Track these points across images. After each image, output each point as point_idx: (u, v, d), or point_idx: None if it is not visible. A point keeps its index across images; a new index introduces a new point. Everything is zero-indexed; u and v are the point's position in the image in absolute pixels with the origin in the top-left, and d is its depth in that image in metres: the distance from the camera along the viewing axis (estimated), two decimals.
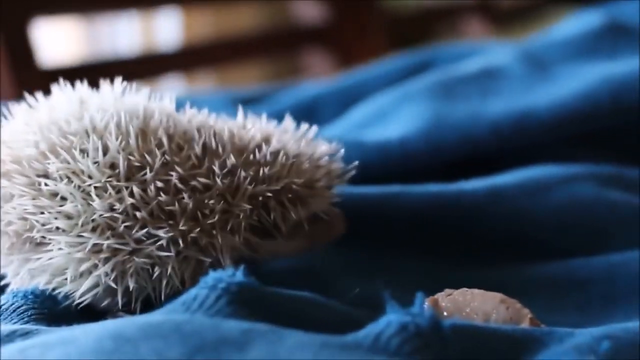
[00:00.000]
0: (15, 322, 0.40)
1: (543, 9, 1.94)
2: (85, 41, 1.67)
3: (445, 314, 0.41)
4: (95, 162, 0.42)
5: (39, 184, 0.42)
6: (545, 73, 0.70)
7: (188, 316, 0.35)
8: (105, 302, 0.43)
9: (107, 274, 0.41)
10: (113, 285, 0.42)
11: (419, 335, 0.34)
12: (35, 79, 1.01)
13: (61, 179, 0.42)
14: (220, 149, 0.44)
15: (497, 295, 0.42)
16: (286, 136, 0.48)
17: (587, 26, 0.75)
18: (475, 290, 0.42)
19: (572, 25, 0.80)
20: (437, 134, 0.61)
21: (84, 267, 0.41)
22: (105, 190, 0.41)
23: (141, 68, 1.29)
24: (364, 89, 0.78)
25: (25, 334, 0.37)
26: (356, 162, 0.49)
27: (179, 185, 0.42)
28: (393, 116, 0.66)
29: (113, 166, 0.42)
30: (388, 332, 0.34)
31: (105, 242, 0.41)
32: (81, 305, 0.43)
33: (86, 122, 0.43)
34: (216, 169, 0.43)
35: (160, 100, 0.47)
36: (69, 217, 0.42)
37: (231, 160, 0.44)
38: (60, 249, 0.42)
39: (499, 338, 0.37)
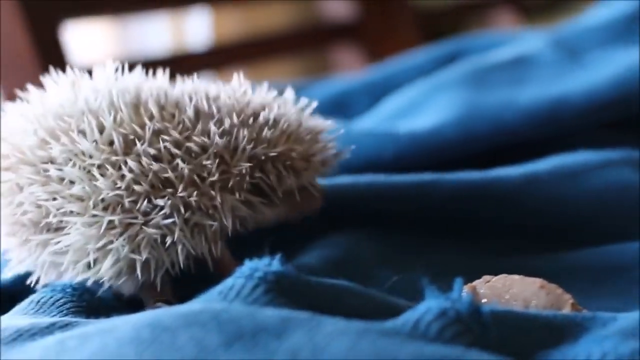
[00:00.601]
0: (54, 315, 0.41)
1: (572, 1, 1.93)
2: (116, 42, 1.68)
3: (484, 300, 0.41)
4: (93, 142, 0.43)
5: (46, 170, 0.43)
6: (577, 60, 0.69)
7: (225, 305, 0.35)
8: (130, 284, 0.44)
9: (123, 247, 0.42)
10: (131, 256, 0.42)
11: (459, 321, 0.34)
12: None
13: (66, 163, 0.42)
14: (214, 111, 0.45)
15: (536, 281, 0.41)
16: (287, 106, 0.48)
17: (619, 12, 0.74)
18: (515, 277, 0.42)
19: (603, 11, 0.79)
20: (470, 123, 0.61)
21: (101, 244, 0.42)
22: (107, 169, 0.42)
23: (173, 68, 1.30)
24: (395, 81, 0.78)
25: (65, 326, 0.37)
26: (352, 147, 0.50)
27: (173, 150, 0.43)
28: (425, 106, 0.65)
29: (111, 143, 0.43)
30: (427, 317, 0.34)
31: (117, 218, 0.42)
32: (117, 296, 0.43)
33: (80, 103, 0.44)
34: (212, 127, 0.44)
35: (154, 78, 0.48)
36: (80, 199, 0.42)
37: (229, 120, 0.44)
38: (77, 229, 0.42)
39: (539, 324, 0.36)
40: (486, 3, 1.77)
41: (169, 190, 0.42)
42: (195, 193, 0.42)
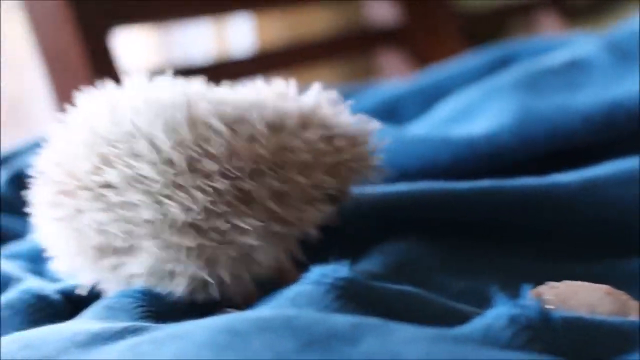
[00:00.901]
0: (124, 320, 0.41)
1: (617, 4, 1.91)
2: (159, 49, 1.70)
3: (549, 306, 0.41)
4: (152, 164, 0.41)
5: (105, 195, 0.41)
6: (631, 63, 0.68)
7: (297, 311, 0.35)
8: (203, 295, 0.44)
9: (200, 268, 0.42)
10: (209, 279, 0.42)
11: (530, 327, 0.34)
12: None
13: (126, 188, 0.41)
14: (284, 124, 0.44)
15: (602, 287, 0.41)
16: (330, 109, 0.48)
17: None
18: (579, 283, 0.41)
19: None
20: (526, 128, 0.61)
21: (177, 266, 0.42)
22: (174, 191, 0.40)
23: (216, 75, 1.31)
24: (445, 87, 0.78)
25: (135, 331, 0.38)
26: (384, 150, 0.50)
27: (253, 166, 0.42)
28: (479, 112, 0.65)
29: (172, 163, 0.41)
30: (498, 324, 0.34)
31: (192, 241, 0.41)
32: (186, 302, 0.43)
33: (126, 125, 0.42)
34: (293, 141, 0.43)
35: (189, 85, 0.46)
36: (149, 222, 0.41)
37: (302, 131, 0.44)
38: (150, 253, 0.42)
39: (608, 330, 0.36)
40: (529, 5, 1.76)
41: (248, 208, 0.41)
42: (277, 208, 0.42)
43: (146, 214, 0.41)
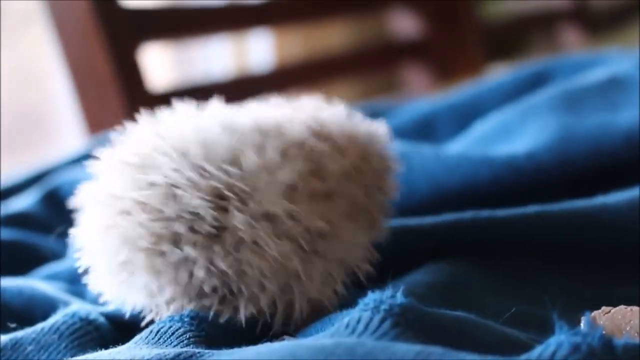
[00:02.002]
0: (175, 345, 0.41)
1: (638, 16, 1.91)
2: (177, 66, 1.70)
3: (603, 332, 0.40)
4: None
5: (219, 237, 0.41)
6: None
7: (356, 339, 0.35)
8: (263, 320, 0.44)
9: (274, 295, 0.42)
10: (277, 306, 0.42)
11: (593, 355, 0.33)
12: (147, 103, 1.04)
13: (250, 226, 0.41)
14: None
15: None
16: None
17: None
18: (635, 308, 0.41)
19: None
20: (566, 147, 0.60)
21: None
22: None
23: (236, 91, 1.31)
24: (481, 104, 0.77)
25: (190, 357, 0.37)
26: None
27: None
28: (519, 131, 0.65)
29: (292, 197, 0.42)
30: (561, 353, 0.33)
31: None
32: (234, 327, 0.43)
33: (251, 160, 0.42)
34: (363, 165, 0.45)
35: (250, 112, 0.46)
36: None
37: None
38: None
39: None
40: (551, 17, 1.76)
41: (325, 239, 0.42)
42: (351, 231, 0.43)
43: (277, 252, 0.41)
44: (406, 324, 0.36)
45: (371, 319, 0.36)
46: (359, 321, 0.36)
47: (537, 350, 0.34)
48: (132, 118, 0.48)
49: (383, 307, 0.37)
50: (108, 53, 1.02)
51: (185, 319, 0.42)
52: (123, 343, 0.43)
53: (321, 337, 0.36)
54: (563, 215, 0.52)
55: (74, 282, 0.60)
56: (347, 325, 0.37)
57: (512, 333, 0.40)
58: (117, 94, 1.02)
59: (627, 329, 0.40)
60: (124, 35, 1.05)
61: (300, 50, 1.71)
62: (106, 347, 0.42)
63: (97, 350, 0.42)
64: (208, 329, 0.42)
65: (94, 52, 1.03)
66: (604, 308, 0.42)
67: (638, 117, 0.61)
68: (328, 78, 1.49)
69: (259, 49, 1.73)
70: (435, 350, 0.33)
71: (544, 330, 0.41)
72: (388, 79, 1.74)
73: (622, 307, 0.41)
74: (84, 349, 0.45)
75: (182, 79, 1.58)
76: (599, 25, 1.83)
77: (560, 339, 0.34)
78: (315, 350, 0.33)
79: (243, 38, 1.69)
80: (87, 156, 0.81)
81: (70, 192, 0.74)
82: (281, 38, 1.71)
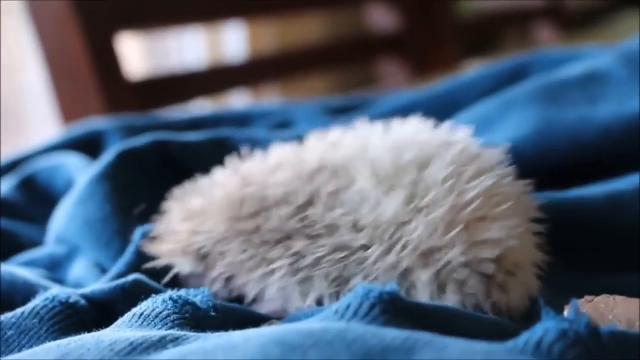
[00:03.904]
0: (159, 328, 0.41)
1: (612, 12, 1.92)
2: (151, 56, 1.69)
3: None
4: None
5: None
6: None
7: (347, 324, 0.35)
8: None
9: None
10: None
11: (579, 342, 0.34)
12: (122, 92, 1.03)
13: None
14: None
15: (638, 301, 0.41)
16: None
17: None
18: (617, 297, 0.41)
19: None
20: (546, 139, 0.61)
21: None
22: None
23: (209, 81, 1.31)
24: (460, 96, 0.78)
25: (175, 340, 0.37)
26: None
27: None
28: (499, 123, 0.65)
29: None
30: (548, 338, 0.34)
31: None
32: (217, 308, 0.43)
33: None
34: None
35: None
36: None
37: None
38: None
39: None
40: (526, 13, 1.77)
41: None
42: None
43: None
44: (395, 311, 0.36)
45: (360, 305, 0.36)
46: (347, 307, 0.36)
47: (524, 336, 0.34)
48: (107, 107, 0.48)
49: (372, 294, 0.37)
50: (84, 41, 1.01)
51: (169, 302, 0.42)
52: (104, 325, 0.43)
53: (310, 322, 0.36)
54: (540, 205, 0.52)
55: (53, 269, 0.59)
56: (336, 311, 0.37)
57: (502, 322, 0.40)
58: (92, 83, 1.01)
59: (610, 317, 0.41)
60: (100, 23, 1.05)
61: (275, 42, 1.70)
62: (88, 330, 0.42)
63: (79, 334, 0.41)
64: (193, 312, 0.42)
65: (69, 40, 1.02)
66: (586, 297, 0.42)
67: (616, 111, 0.62)
68: (302, 70, 1.49)
69: (233, 40, 1.72)
70: (424, 335, 0.33)
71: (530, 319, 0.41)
72: (363, 73, 1.74)
73: (604, 295, 0.42)
74: (64, 332, 0.45)
75: (156, 69, 1.57)
76: (573, 23, 1.84)
77: (547, 325, 0.34)
78: (304, 335, 0.33)
79: (217, 29, 1.69)
80: (63, 144, 0.81)
81: (46, 178, 0.73)
82: (255, 29, 1.71)
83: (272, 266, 0.45)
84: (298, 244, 0.44)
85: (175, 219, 0.50)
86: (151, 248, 0.51)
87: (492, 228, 0.43)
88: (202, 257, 0.49)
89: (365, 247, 0.44)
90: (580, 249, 0.53)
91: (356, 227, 0.44)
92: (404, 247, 0.43)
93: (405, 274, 0.43)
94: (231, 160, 0.53)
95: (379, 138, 0.49)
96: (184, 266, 0.49)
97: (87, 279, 0.54)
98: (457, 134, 0.51)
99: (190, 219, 0.49)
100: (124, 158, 0.59)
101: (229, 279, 0.48)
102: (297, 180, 0.47)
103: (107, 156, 0.60)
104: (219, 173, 0.53)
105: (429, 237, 0.43)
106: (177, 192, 0.53)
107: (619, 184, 0.56)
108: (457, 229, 0.42)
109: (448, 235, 0.42)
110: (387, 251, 0.43)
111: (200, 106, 1.36)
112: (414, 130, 0.50)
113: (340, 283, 0.44)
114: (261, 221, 0.46)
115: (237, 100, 1.65)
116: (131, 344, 0.37)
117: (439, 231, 0.43)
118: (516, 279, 0.44)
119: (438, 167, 0.45)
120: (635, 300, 0.41)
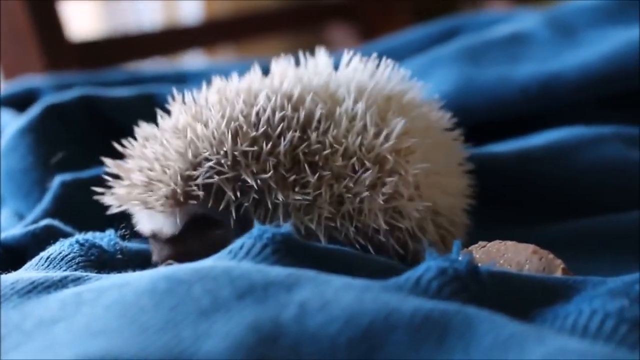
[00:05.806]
0: (64, 270, 0.42)
1: None
2: (106, 17, 1.69)
3: (479, 264, 0.42)
4: None
5: None
6: (572, 38, 0.70)
7: (236, 262, 0.36)
8: None
9: None
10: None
11: (458, 279, 0.35)
12: (65, 52, 1.03)
13: None
14: None
15: (529, 247, 0.43)
16: None
17: None
18: (509, 242, 0.43)
19: None
20: (466, 97, 0.63)
21: None
22: None
23: (164, 43, 1.31)
24: (392, 56, 0.79)
25: (77, 280, 0.38)
26: None
27: None
28: (422, 80, 0.67)
29: None
30: (428, 275, 0.35)
31: None
32: (123, 251, 0.44)
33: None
34: None
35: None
36: None
37: None
38: None
39: (533, 285, 0.38)
40: None
41: None
42: None
43: None
44: (287, 251, 0.38)
45: (253, 245, 0.38)
46: (241, 247, 0.38)
47: (407, 273, 0.36)
48: (49, 67, 0.49)
49: (266, 235, 0.38)
50: (27, 7, 1.00)
51: (74, 245, 0.43)
52: (16, 269, 0.44)
53: (203, 261, 0.37)
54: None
55: None
56: (230, 251, 0.38)
57: (396, 264, 0.42)
58: (34, 43, 1.01)
59: (501, 261, 0.43)
60: None
61: (230, 5, 1.70)
62: None
63: None
64: (99, 255, 0.43)
65: (12, 5, 1.01)
66: (480, 242, 0.44)
67: (536, 71, 0.64)
68: (255, 34, 1.49)
69: (188, 3, 1.72)
70: (308, 273, 0.35)
71: None
72: (316, 37, 1.75)
73: (497, 241, 0.43)
74: None
75: (111, 30, 1.56)
76: None
77: (428, 263, 0.36)
78: (193, 271, 0.34)
79: None
80: (3, 101, 0.81)
81: None
82: None
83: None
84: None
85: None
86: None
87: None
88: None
89: None
90: (490, 203, 0.55)
91: None
92: None
93: None
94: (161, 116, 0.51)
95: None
96: None
97: (7, 228, 0.55)
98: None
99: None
100: (49, 112, 0.60)
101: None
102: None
103: (33, 110, 0.61)
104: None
105: None
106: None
107: (531, 141, 0.58)
108: None
109: None
110: None
111: (153, 66, 1.36)
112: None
113: None
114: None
115: (193, 61, 1.65)
116: (32, 282, 0.38)
117: None
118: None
119: None
120: (525, 245, 0.43)
